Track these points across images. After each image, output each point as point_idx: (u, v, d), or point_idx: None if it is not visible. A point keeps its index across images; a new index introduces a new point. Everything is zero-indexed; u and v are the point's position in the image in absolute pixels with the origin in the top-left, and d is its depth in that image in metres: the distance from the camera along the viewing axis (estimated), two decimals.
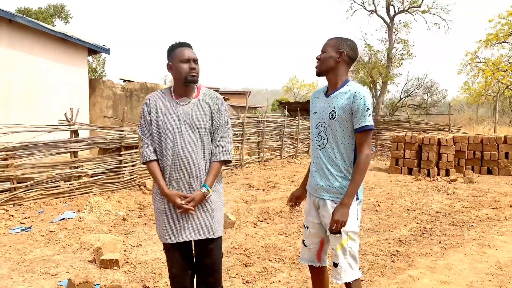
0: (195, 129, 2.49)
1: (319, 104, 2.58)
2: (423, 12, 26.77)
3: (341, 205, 2.38)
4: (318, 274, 2.71)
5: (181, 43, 2.55)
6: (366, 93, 2.42)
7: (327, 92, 2.57)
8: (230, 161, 2.62)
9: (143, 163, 2.56)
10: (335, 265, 2.49)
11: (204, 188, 2.48)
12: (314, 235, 2.62)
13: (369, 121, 2.37)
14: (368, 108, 2.37)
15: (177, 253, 2.54)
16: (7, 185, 6.25)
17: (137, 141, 7.89)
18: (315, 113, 2.59)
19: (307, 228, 2.65)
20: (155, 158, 2.51)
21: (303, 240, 2.70)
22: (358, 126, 2.39)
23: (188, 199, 2.46)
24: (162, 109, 2.51)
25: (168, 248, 2.56)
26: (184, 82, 2.50)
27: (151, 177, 2.94)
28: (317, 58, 2.55)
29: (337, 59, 2.47)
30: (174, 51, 2.52)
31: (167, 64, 2.56)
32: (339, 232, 2.42)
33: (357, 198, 2.48)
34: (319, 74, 2.56)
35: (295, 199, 2.83)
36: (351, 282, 2.47)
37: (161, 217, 2.53)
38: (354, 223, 2.48)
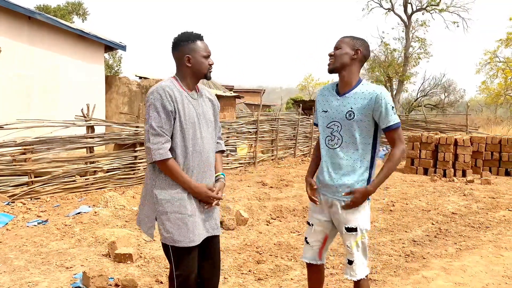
0: (208, 124, 2.46)
1: (331, 103, 2.51)
2: (441, 10, 26.38)
3: (366, 189, 2.40)
4: (317, 272, 2.70)
5: (198, 35, 2.38)
6: (385, 93, 2.41)
7: (339, 91, 2.51)
8: (224, 151, 2.69)
9: (158, 161, 2.26)
10: (350, 262, 2.49)
11: (222, 177, 2.52)
12: (319, 232, 2.60)
13: (395, 119, 2.40)
14: (392, 107, 2.40)
15: (195, 254, 2.36)
16: (25, 179, 6.37)
17: None
18: (325, 111, 2.53)
19: (312, 225, 2.62)
20: (171, 155, 2.28)
21: (306, 238, 2.66)
22: (385, 126, 2.41)
23: (216, 189, 2.41)
24: (182, 102, 2.32)
25: (188, 251, 2.32)
26: (205, 78, 2.42)
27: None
28: (330, 55, 2.48)
29: (352, 56, 2.43)
30: (195, 43, 2.35)
31: (186, 56, 2.34)
32: (355, 230, 2.44)
33: (368, 198, 2.47)
34: (332, 71, 2.48)
35: (314, 190, 2.61)
36: (364, 278, 2.50)
37: (183, 219, 2.29)
38: (367, 220, 2.50)
